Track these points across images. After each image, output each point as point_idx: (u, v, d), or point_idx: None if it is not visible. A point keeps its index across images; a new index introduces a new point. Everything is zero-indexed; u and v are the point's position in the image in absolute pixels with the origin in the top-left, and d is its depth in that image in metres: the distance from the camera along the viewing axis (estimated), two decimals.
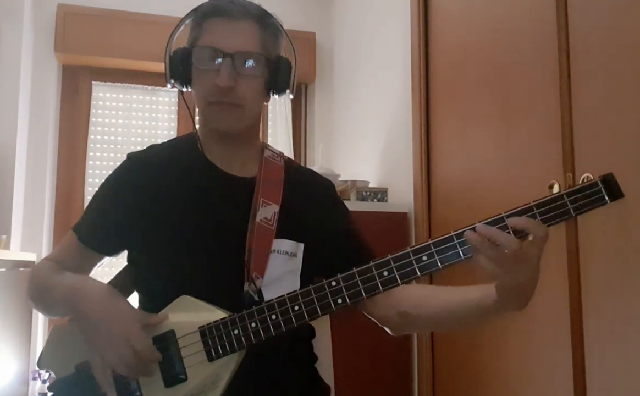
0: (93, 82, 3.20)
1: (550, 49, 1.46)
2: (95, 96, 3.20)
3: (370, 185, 2.40)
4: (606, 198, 0.80)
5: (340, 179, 2.45)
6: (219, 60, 0.99)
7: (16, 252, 2.66)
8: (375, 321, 1.07)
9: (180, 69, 1.04)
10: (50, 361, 1.02)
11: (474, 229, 0.82)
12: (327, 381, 1.16)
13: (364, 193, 2.25)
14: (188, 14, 1.06)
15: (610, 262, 1.26)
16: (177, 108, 3.30)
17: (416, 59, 2.20)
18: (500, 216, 0.82)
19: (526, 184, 1.54)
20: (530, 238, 0.79)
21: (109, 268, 1.27)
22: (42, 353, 1.03)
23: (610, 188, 0.80)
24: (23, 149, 2.89)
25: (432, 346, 2.04)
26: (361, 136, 2.89)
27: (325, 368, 1.20)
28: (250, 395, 0.99)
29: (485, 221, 0.81)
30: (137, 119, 3.25)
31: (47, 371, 1.05)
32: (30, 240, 2.89)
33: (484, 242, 0.79)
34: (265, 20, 1.05)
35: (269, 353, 1.00)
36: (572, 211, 0.81)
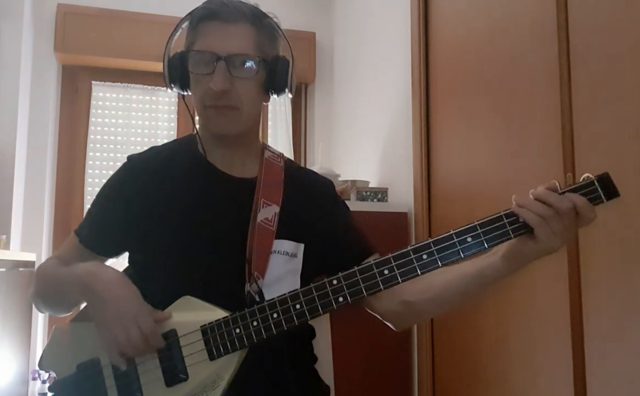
0: (93, 82, 3.20)
1: (550, 49, 1.46)
2: (95, 96, 3.20)
3: (370, 185, 2.40)
4: (602, 196, 0.82)
5: (340, 179, 2.45)
6: (214, 64, 0.99)
7: (16, 252, 2.66)
8: (377, 316, 1.08)
9: (178, 73, 1.05)
10: (51, 361, 1.03)
11: (476, 227, 0.86)
12: (327, 381, 1.16)
13: (364, 193, 2.25)
14: (183, 19, 1.07)
15: (610, 262, 1.26)
16: (177, 108, 3.30)
17: (416, 59, 2.20)
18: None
19: (526, 184, 1.54)
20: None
21: None
22: (43, 353, 1.04)
23: (607, 187, 0.82)
24: (23, 149, 2.89)
25: (432, 346, 2.04)
26: (361, 136, 2.89)
27: (325, 368, 1.21)
28: (250, 395, 0.99)
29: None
30: (137, 119, 3.25)
31: (47, 372, 1.06)
32: (30, 240, 2.89)
33: (538, 203, 0.83)
34: (260, 21, 1.05)
35: (269, 353, 1.00)
36: None
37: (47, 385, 2.58)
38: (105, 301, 0.91)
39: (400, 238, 2.16)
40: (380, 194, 2.26)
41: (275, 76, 1.06)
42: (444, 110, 2.05)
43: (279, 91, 1.08)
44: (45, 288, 1.09)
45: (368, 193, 2.25)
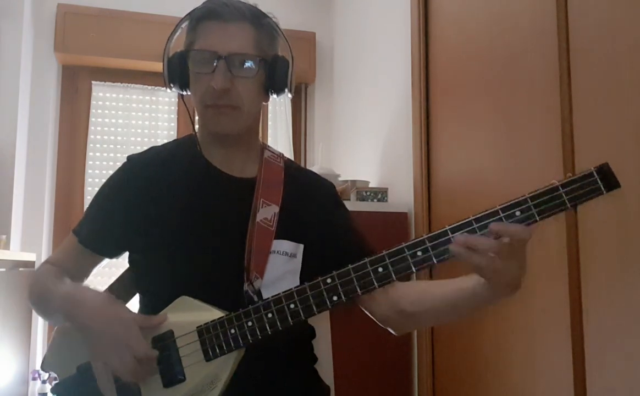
0: (93, 82, 3.20)
1: (550, 49, 1.46)
2: (95, 96, 3.20)
3: (370, 185, 2.40)
4: (602, 188, 0.78)
5: (340, 179, 2.44)
6: (214, 63, 0.99)
7: (16, 252, 2.66)
8: (377, 322, 1.07)
9: (177, 72, 1.05)
10: (53, 363, 1.03)
11: (471, 222, 0.83)
12: (327, 382, 1.16)
13: (364, 193, 2.24)
14: (183, 18, 1.07)
15: (610, 261, 1.26)
16: (177, 108, 3.30)
17: (416, 59, 2.20)
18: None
19: (526, 184, 1.54)
20: (506, 240, 0.79)
21: (109, 268, 1.27)
22: (45, 355, 1.04)
23: (606, 178, 0.78)
24: (23, 149, 2.89)
25: (432, 346, 2.04)
26: (361, 136, 2.89)
27: (325, 368, 1.20)
28: (249, 395, 0.99)
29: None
30: (137, 119, 3.25)
31: (46, 372, 1.06)
32: (30, 240, 2.89)
33: (466, 250, 0.80)
34: (260, 21, 1.05)
35: (268, 353, 1.00)
36: (567, 203, 0.79)
37: (47, 385, 2.58)
38: (94, 332, 0.91)
39: (400, 238, 2.11)
40: (380, 194, 2.26)
41: (275, 75, 1.06)
42: (444, 110, 2.05)
43: (279, 91, 1.08)
44: (36, 300, 1.08)
45: (368, 193, 2.25)
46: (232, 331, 0.92)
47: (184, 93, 1.08)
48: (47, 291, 1.03)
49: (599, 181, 0.78)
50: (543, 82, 1.49)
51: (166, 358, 0.93)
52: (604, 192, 0.78)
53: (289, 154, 3.28)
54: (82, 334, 0.94)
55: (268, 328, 0.91)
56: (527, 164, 1.55)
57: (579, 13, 1.38)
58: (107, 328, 0.90)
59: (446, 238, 0.84)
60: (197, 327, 0.93)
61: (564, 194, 0.79)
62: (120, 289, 1.15)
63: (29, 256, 2.53)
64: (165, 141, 1.35)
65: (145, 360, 0.90)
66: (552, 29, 1.45)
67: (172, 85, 1.07)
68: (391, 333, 1.10)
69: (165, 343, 0.94)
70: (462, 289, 0.94)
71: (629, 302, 1.20)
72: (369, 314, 1.08)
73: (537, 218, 0.80)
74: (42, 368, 1.04)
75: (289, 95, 1.10)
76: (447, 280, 0.92)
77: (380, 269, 0.88)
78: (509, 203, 0.83)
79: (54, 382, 1.03)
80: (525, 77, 1.57)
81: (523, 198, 0.81)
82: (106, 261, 1.13)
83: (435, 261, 0.85)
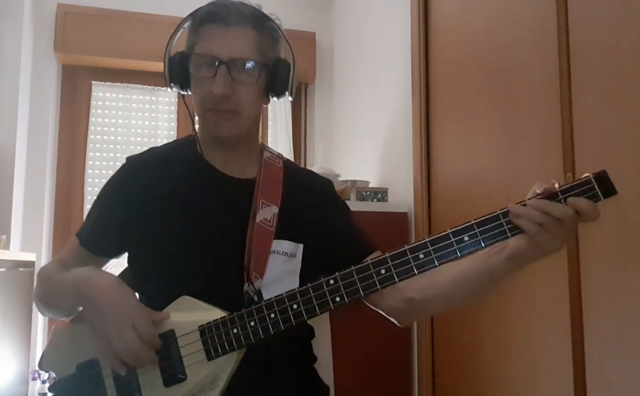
0: (93, 82, 3.20)
1: (550, 49, 1.46)
2: (95, 96, 3.20)
3: (370, 185, 2.40)
4: (599, 194, 0.81)
5: (340, 179, 2.45)
6: (215, 67, 0.99)
7: (16, 252, 2.66)
8: (381, 312, 1.07)
9: (178, 73, 1.05)
10: (51, 362, 1.03)
11: (473, 226, 0.84)
12: (326, 382, 1.16)
13: (364, 193, 2.25)
14: (185, 19, 1.06)
15: (610, 262, 1.26)
16: (177, 108, 3.30)
17: (416, 59, 2.20)
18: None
19: (526, 184, 1.54)
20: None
21: (108, 269, 1.27)
22: (43, 354, 1.04)
23: (604, 185, 0.81)
24: (23, 149, 2.89)
25: (432, 346, 2.04)
26: (361, 136, 2.89)
27: (325, 368, 1.21)
28: (249, 395, 0.99)
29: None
30: (136, 119, 3.25)
31: (47, 372, 1.06)
32: (30, 240, 2.89)
33: (536, 212, 0.81)
34: (262, 24, 1.05)
35: (268, 353, 1.00)
36: None
37: (47, 385, 2.58)
38: (101, 308, 0.91)
39: (400, 237, 2.16)
40: (380, 194, 2.26)
41: (276, 79, 1.06)
42: (444, 110, 2.05)
43: (280, 94, 1.08)
44: (44, 292, 1.09)
45: (368, 193, 2.25)
46: (235, 330, 0.92)
47: (185, 93, 1.08)
48: (56, 277, 1.04)
49: (597, 188, 0.81)
50: (543, 82, 1.49)
51: (167, 356, 0.93)
52: (602, 198, 0.81)
53: (289, 154, 3.29)
54: (89, 312, 0.93)
55: (271, 328, 0.91)
56: (527, 164, 1.55)
57: (579, 13, 1.38)
58: (114, 307, 0.90)
59: (448, 241, 0.86)
60: (199, 326, 0.94)
61: (562, 200, 0.82)
62: None
63: (29, 256, 2.53)
64: (165, 141, 1.36)
65: (149, 343, 0.90)
66: (552, 29, 1.46)
67: (172, 84, 1.07)
68: (390, 333, 1.10)
69: (166, 342, 0.94)
70: (472, 268, 0.93)
71: (629, 302, 1.20)
72: (372, 306, 1.07)
73: None
74: (40, 366, 1.04)
75: (290, 97, 1.11)
76: (454, 262, 0.92)
77: (382, 272, 0.89)
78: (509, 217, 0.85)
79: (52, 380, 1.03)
80: (525, 78, 1.57)
81: (523, 203, 0.84)
82: (112, 262, 1.14)
83: (437, 263, 0.87)
